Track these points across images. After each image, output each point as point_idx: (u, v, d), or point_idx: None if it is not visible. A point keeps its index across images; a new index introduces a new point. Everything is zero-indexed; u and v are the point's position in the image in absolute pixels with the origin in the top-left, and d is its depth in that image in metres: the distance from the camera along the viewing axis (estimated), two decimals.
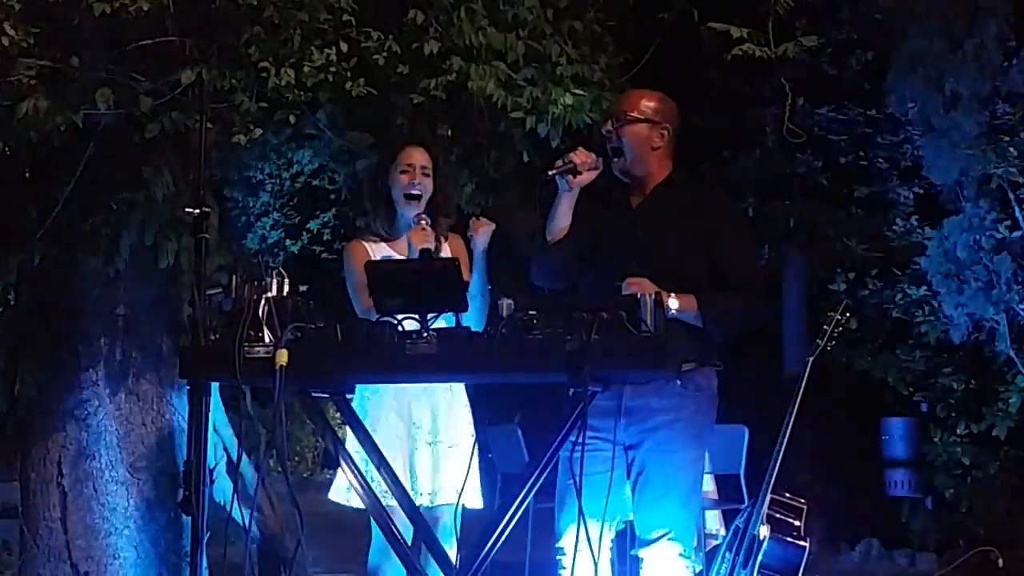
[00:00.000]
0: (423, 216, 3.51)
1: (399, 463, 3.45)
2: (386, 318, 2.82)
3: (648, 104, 3.34)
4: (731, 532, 4.33)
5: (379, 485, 3.19)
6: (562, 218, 3.28)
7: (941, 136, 7.07)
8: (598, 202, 3.34)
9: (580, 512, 2.82)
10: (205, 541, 3.23)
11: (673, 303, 3.11)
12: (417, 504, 3.46)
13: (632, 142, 3.31)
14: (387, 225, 3.63)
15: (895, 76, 7.16)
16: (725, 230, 3.32)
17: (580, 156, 3.23)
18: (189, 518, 3.31)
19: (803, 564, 4.20)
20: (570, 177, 3.21)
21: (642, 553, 3.25)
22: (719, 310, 3.20)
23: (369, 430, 3.29)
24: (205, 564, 3.18)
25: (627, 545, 3.37)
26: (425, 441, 3.53)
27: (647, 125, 3.31)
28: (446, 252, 3.66)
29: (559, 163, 3.22)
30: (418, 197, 3.58)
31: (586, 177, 3.25)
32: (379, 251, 3.62)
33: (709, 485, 5.48)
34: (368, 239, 3.65)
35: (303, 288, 2.97)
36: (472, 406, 3.63)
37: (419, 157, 3.62)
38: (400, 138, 4.00)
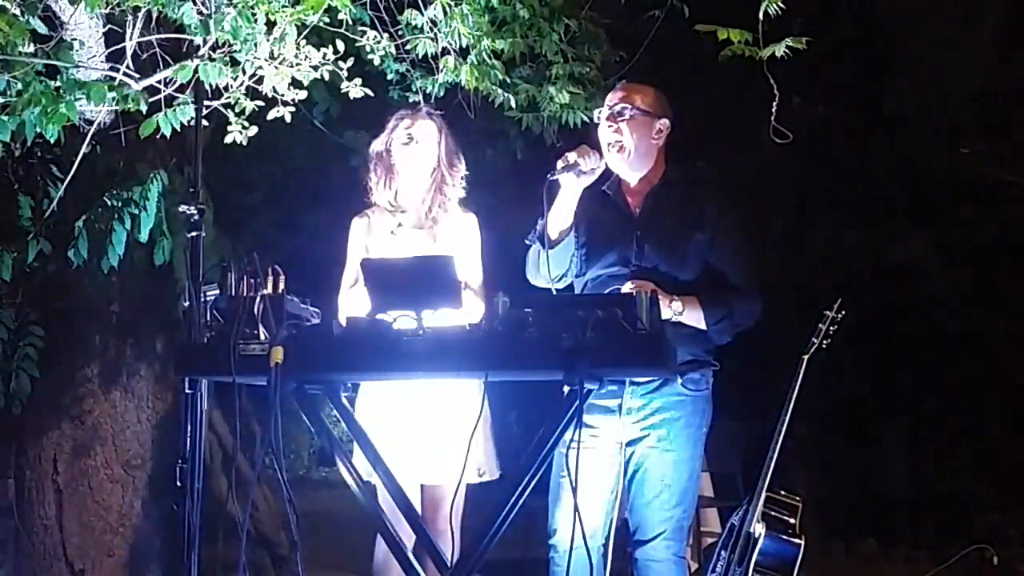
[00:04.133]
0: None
1: (404, 444, 3.48)
2: (381, 316, 2.83)
3: (648, 97, 3.33)
4: (727, 530, 4.33)
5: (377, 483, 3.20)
6: (565, 218, 3.27)
7: (938, 135, 7.08)
8: (595, 202, 3.33)
9: (576, 510, 2.82)
10: (200, 539, 3.22)
11: (677, 306, 3.12)
12: (423, 482, 3.48)
13: (637, 135, 3.29)
14: (392, 195, 3.65)
15: (893, 75, 7.17)
16: (723, 230, 3.31)
17: (583, 154, 3.22)
18: (184, 516, 3.31)
19: (799, 562, 4.20)
20: (574, 175, 3.20)
21: (637, 552, 3.25)
22: (721, 311, 3.21)
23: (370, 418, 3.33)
24: (200, 562, 3.17)
25: (622, 542, 3.37)
26: (430, 418, 3.54)
27: (650, 118, 3.31)
28: (454, 227, 3.67)
29: (561, 163, 3.20)
30: (413, 169, 3.61)
31: (591, 176, 3.24)
32: (383, 222, 3.65)
33: (706, 483, 5.50)
34: (375, 210, 3.67)
35: (298, 285, 2.97)
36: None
37: (420, 130, 3.64)
38: None
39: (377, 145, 3.69)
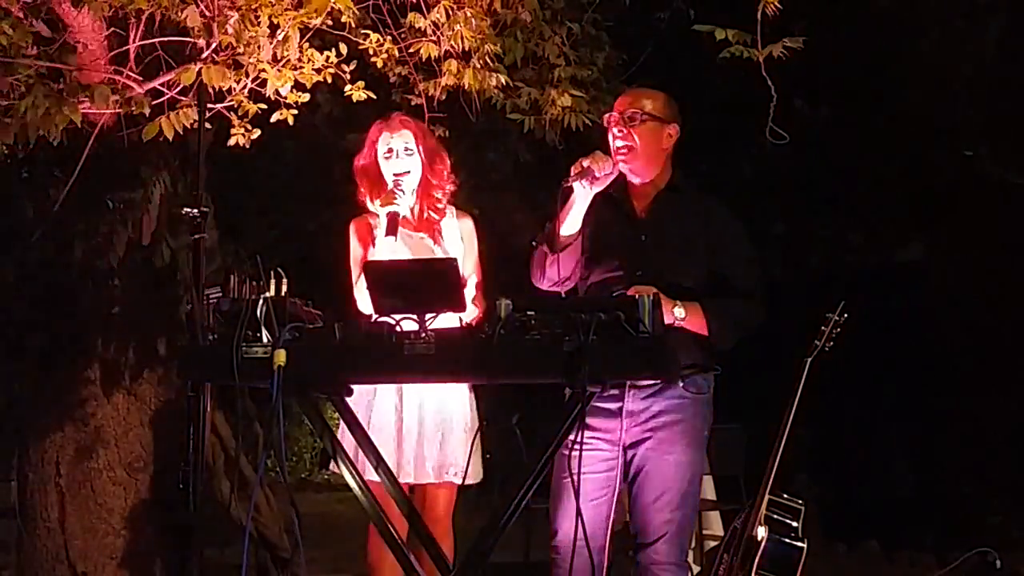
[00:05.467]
0: (399, 182, 3.57)
1: (387, 443, 3.49)
2: (384, 318, 2.82)
3: (658, 103, 3.33)
4: (729, 533, 4.33)
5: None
6: (575, 223, 3.27)
7: (942, 136, 7.07)
8: (600, 205, 3.33)
9: (578, 512, 2.82)
10: (202, 541, 3.23)
11: (679, 311, 3.12)
12: (413, 481, 3.48)
13: (646, 140, 3.29)
14: (385, 200, 3.66)
15: (896, 76, 7.17)
16: (728, 236, 3.32)
17: (597, 160, 3.22)
18: (186, 519, 3.31)
19: (801, 565, 4.20)
20: (587, 181, 3.20)
21: (640, 555, 3.25)
22: (724, 317, 3.21)
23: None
24: (202, 564, 3.18)
25: (624, 546, 3.37)
26: (414, 419, 3.55)
27: (659, 124, 3.31)
28: (454, 232, 3.67)
29: (575, 169, 3.20)
30: (401, 180, 3.60)
31: (603, 181, 3.24)
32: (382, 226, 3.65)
33: (708, 486, 5.49)
34: (372, 216, 3.68)
35: (301, 288, 2.98)
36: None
37: (398, 140, 3.64)
38: None
39: (361, 159, 3.70)
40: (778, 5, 3.48)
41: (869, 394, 8.33)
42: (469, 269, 3.67)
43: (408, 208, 3.65)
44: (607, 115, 3.38)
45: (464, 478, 3.47)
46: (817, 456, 8.02)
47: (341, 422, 3.27)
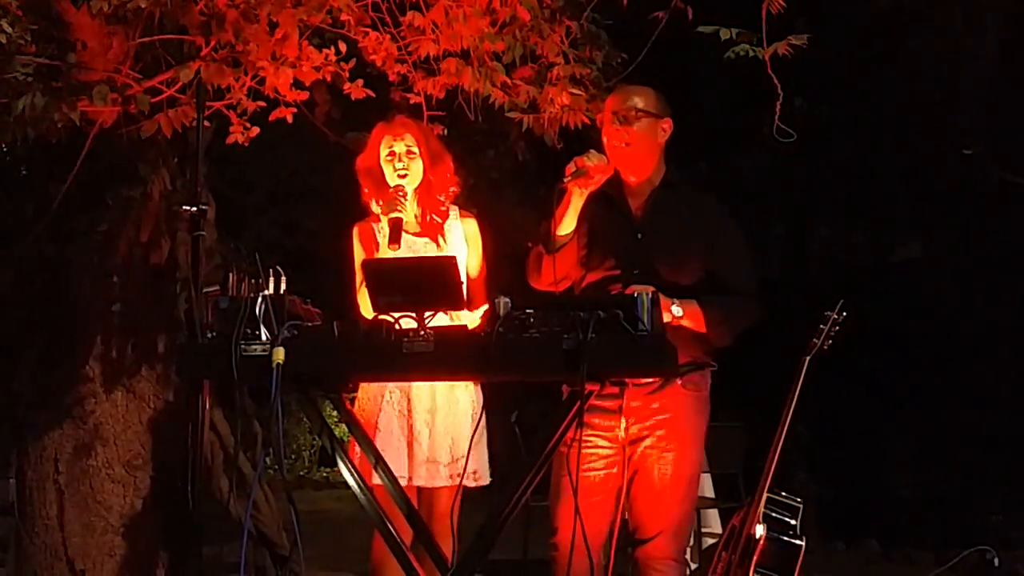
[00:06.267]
0: (401, 187, 3.57)
1: (398, 446, 3.48)
2: (383, 316, 2.83)
3: (650, 99, 3.34)
4: (728, 531, 4.33)
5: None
6: (571, 223, 3.27)
7: (942, 136, 7.07)
8: (596, 203, 3.33)
9: (576, 510, 2.83)
10: (201, 539, 3.23)
11: (677, 309, 3.12)
12: (425, 484, 3.48)
13: (641, 137, 3.30)
14: (387, 207, 3.65)
15: (896, 76, 7.17)
16: (723, 233, 3.32)
17: (592, 159, 3.22)
18: (185, 516, 3.31)
19: (799, 563, 4.20)
20: (582, 180, 3.20)
21: (637, 552, 3.25)
22: (721, 314, 3.21)
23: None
24: (201, 562, 3.18)
25: (622, 543, 3.37)
26: (424, 421, 3.55)
27: (654, 119, 3.32)
28: (458, 233, 3.67)
29: (571, 168, 3.20)
30: (403, 182, 3.60)
31: (600, 180, 3.24)
32: (384, 232, 3.64)
33: (707, 484, 5.49)
34: (375, 218, 3.67)
35: (300, 286, 2.98)
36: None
37: (400, 143, 3.63)
38: None
39: (364, 161, 3.69)
40: (782, 3, 3.48)
41: (868, 393, 8.33)
42: (474, 270, 3.67)
43: (411, 213, 3.64)
44: (600, 115, 3.39)
45: (475, 480, 3.49)
46: (816, 454, 8.03)
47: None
